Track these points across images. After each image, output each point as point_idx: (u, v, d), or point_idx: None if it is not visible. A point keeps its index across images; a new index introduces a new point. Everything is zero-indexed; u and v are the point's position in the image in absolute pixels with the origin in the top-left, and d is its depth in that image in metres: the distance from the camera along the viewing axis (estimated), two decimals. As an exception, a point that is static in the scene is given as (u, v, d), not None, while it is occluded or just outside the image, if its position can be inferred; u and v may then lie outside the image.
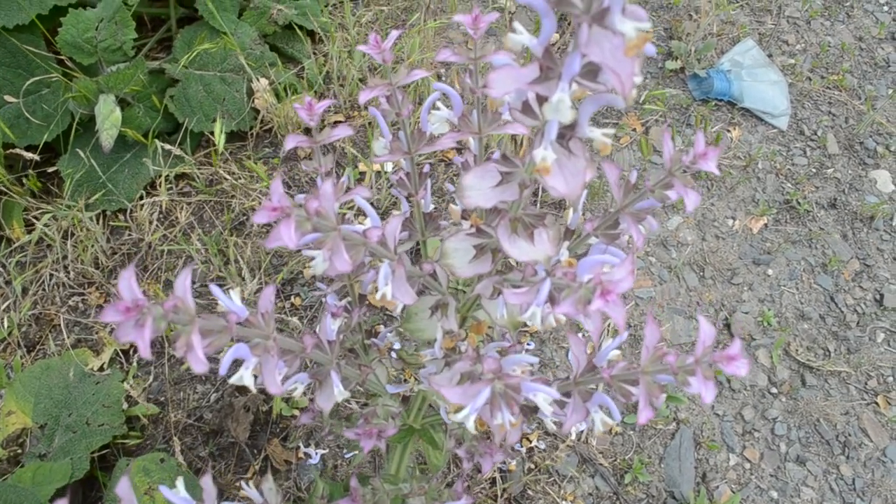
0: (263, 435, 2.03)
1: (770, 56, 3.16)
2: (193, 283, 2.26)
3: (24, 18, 2.18)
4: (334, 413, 1.33)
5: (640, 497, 2.08)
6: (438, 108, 0.99)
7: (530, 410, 0.94)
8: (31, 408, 1.87)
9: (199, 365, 0.66)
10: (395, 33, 0.89)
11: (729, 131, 2.92)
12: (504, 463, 2.04)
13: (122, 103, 2.27)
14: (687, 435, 2.18)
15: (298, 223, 0.67)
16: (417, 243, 1.08)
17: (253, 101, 2.48)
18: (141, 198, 2.36)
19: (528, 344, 2.17)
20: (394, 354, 1.28)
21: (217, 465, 1.98)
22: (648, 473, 2.10)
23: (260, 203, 2.37)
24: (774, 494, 2.13)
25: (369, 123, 2.62)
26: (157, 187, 2.37)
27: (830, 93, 3.08)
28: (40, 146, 2.23)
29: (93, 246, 2.24)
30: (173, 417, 2.04)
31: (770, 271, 2.56)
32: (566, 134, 0.70)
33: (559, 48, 2.87)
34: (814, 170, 2.85)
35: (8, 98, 2.19)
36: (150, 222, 2.34)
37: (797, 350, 2.38)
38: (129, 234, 2.33)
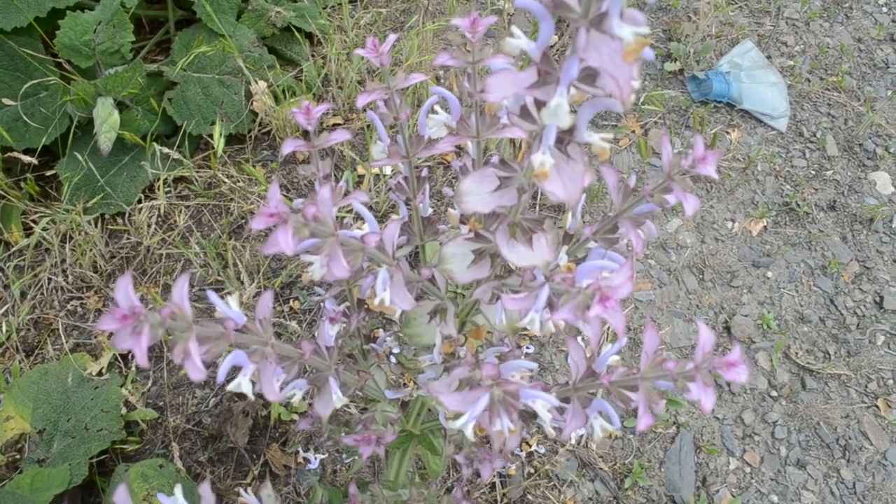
0: (262, 440, 2.03)
1: (769, 57, 3.16)
2: (192, 286, 2.26)
3: (22, 21, 2.17)
4: (333, 418, 1.32)
5: (641, 501, 2.07)
6: (437, 112, 0.98)
7: (529, 416, 0.94)
8: (29, 413, 1.86)
9: (196, 372, 0.66)
10: (392, 37, 0.89)
11: (728, 133, 2.92)
12: (503, 468, 2.03)
13: (121, 106, 2.27)
14: (687, 439, 2.17)
15: (296, 229, 0.67)
16: (416, 247, 1.07)
17: (251, 104, 2.47)
18: (139, 201, 2.36)
19: (527, 347, 2.17)
20: (393, 359, 1.27)
21: (216, 471, 1.97)
22: (648, 478, 2.09)
23: (258, 207, 2.36)
24: (775, 498, 2.13)
25: (368, 126, 2.62)
26: (156, 191, 2.36)
27: (829, 94, 3.08)
28: (38, 149, 2.22)
29: (91, 250, 2.24)
30: (172, 422, 2.03)
31: (770, 274, 2.56)
32: (564, 138, 0.69)
33: (558, 50, 2.87)
34: (813, 172, 2.85)
35: (6, 101, 2.19)
36: (149, 226, 2.33)
37: (797, 353, 2.38)
38: (128, 238, 2.32)
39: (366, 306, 1.15)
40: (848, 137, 2.95)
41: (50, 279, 2.22)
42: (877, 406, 2.31)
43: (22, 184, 2.29)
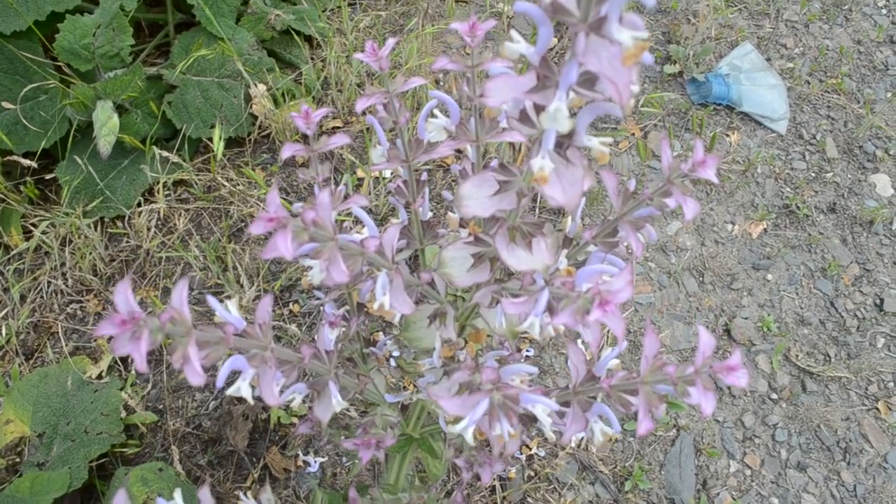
0: (262, 443, 2.03)
1: (768, 60, 3.16)
2: (191, 289, 2.26)
3: (22, 24, 2.17)
4: (333, 422, 1.32)
5: (641, 504, 2.07)
6: (436, 116, 0.98)
7: (529, 420, 0.94)
8: (29, 416, 1.86)
9: (195, 377, 0.65)
10: (391, 41, 0.89)
11: (727, 135, 2.92)
12: (504, 471, 2.03)
13: (120, 109, 2.27)
14: (687, 442, 2.17)
15: (295, 233, 0.67)
16: (416, 251, 1.07)
17: (251, 107, 2.47)
18: (139, 204, 2.36)
19: (527, 350, 2.17)
20: (392, 362, 1.27)
21: (216, 474, 1.97)
22: (649, 480, 2.09)
23: (258, 210, 2.36)
24: (776, 501, 2.12)
25: (367, 129, 2.62)
26: (155, 194, 2.36)
27: (829, 96, 3.08)
28: (38, 153, 2.22)
29: (91, 253, 2.24)
30: (172, 425, 2.03)
31: (770, 276, 2.56)
32: (564, 143, 0.69)
33: (557, 52, 2.87)
34: (813, 174, 2.85)
35: (5, 105, 2.19)
36: (148, 229, 2.33)
37: (797, 355, 2.37)
38: (127, 241, 2.32)
39: (365, 310, 1.15)
40: (848, 140, 2.95)
41: (49, 282, 2.22)
42: (877, 409, 2.31)
43: (21, 187, 2.29)
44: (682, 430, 2.20)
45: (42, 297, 2.21)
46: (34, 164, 2.19)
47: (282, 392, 0.91)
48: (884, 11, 3.44)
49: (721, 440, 2.20)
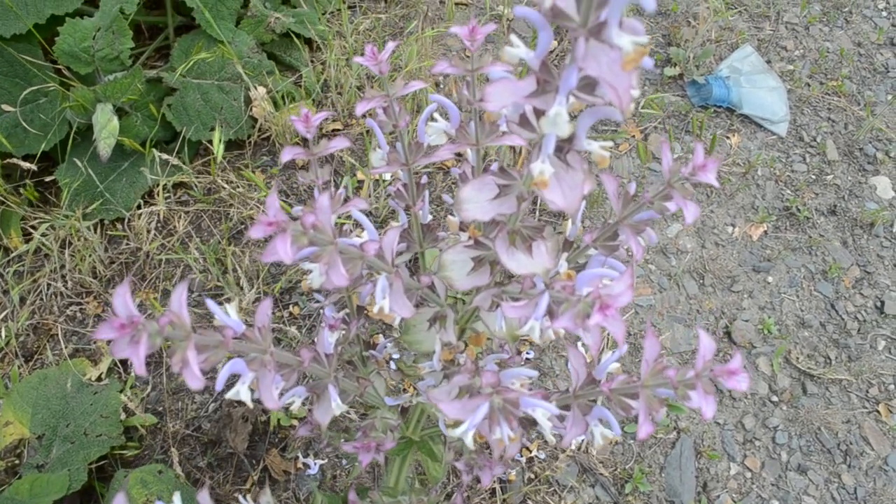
0: (262, 445, 2.03)
1: (769, 62, 3.16)
2: (191, 292, 2.26)
3: (22, 28, 2.17)
4: (333, 424, 1.32)
5: (641, 506, 2.07)
6: (436, 120, 0.98)
7: (529, 423, 0.93)
8: (28, 418, 1.86)
9: (194, 381, 0.65)
10: (391, 45, 0.89)
11: (728, 138, 2.92)
12: (504, 473, 2.03)
13: (120, 112, 2.27)
14: (687, 444, 2.17)
15: (294, 237, 0.67)
16: (416, 254, 1.07)
17: (251, 110, 2.47)
18: (139, 207, 2.36)
19: (527, 353, 2.17)
20: (392, 365, 1.27)
21: (215, 476, 1.97)
22: (649, 483, 2.09)
23: (258, 212, 2.36)
24: None
25: (367, 132, 2.61)
26: (155, 196, 2.36)
27: (829, 99, 3.08)
28: (38, 155, 2.22)
29: (90, 255, 2.24)
30: (171, 428, 2.03)
31: (770, 279, 2.55)
32: (564, 147, 0.69)
33: (557, 55, 2.87)
34: (813, 176, 2.85)
35: (5, 107, 2.19)
36: (148, 231, 2.33)
37: (798, 358, 2.37)
38: (127, 244, 2.32)
39: (365, 313, 1.15)
40: (848, 142, 2.95)
41: (49, 285, 2.22)
42: (878, 411, 2.30)
43: (21, 190, 2.29)
44: (683, 433, 2.19)
45: (42, 299, 2.21)
46: (34, 167, 2.19)
47: (281, 395, 0.91)
48: (884, 14, 3.44)
49: (721, 442, 2.20)
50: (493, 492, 2.02)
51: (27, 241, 2.25)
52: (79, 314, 2.21)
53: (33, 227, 2.27)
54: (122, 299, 0.63)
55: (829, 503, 2.13)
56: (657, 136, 2.86)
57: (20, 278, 2.22)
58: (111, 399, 1.91)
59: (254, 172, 2.50)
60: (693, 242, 2.60)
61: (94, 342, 2.15)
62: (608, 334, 2.13)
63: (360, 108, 0.88)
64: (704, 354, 0.74)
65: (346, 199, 0.92)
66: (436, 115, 0.99)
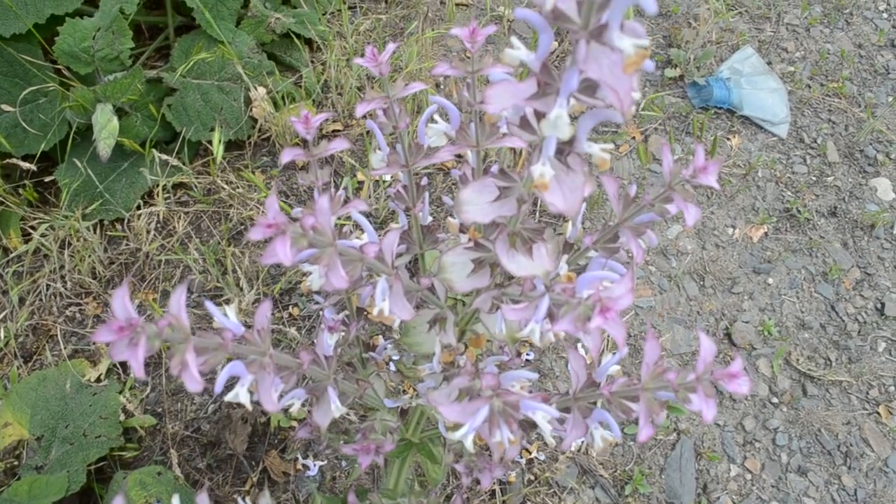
0: (261, 446, 2.02)
1: (769, 64, 3.16)
2: (190, 292, 2.25)
3: (21, 27, 2.17)
4: (332, 426, 1.31)
5: (641, 508, 2.07)
6: (436, 121, 0.98)
7: (529, 426, 0.93)
8: (27, 419, 1.86)
9: (193, 384, 0.65)
10: (391, 46, 0.88)
11: (728, 139, 2.92)
12: (503, 475, 2.03)
13: (120, 112, 2.27)
14: (688, 445, 2.17)
15: (294, 239, 0.66)
16: (416, 256, 1.07)
17: (251, 110, 2.47)
18: (138, 207, 2.35)
19: (527, 354, 2.17)
20: (392, 367, 1.27)
21: (214, 478, 1.96)
22: (649, 485, 2.08)
23: (258, 213, 2.36)
24: (776, 505, 2.12)
25: (367, 132, 2.61)
26: (155, 197, 2.36)
27: (830, 100, 3.08)
28: (37, 155, 2.22)
29: (90, 256, 2.23)
30: (171, 429, 2.03)
31: (770, 280, 2.55)
32: (564, 149, 0.69)
33: (557, 56, 2.86)
34: (814, 178, 2.84)
35: (5, 107, 2.19)
36: (148, 232, 2.33)
37: (798, 359, 2.37)
38: (127, 244, 2.32)
39: (365, 314, 1.15)
40: (849, 143, 2.95)
41: (49, 285, 2.22)
42: (878, 413, 2.30)
43: (21, 190, 2.29)
44: (683, 434, 2.19)
45: (41, 299, 2.21)
46: (33, 167, 2.19)
47: (281, 397, 0.91)
48: (885, 15, 3.44)
49: (722, 444, 2.20)
50: (492, 493, 2.01)
51: (26, 242, 2.24)
52: (78, 315, 2.20)
53: (33, 228, 2.27)
54: (121, 301, 0.62)
55: (830, 505, 2.13)
56: (658, 137, 2.86)
57: (19, 279, 2.22)
58: (110, 400, 1.90)
59: (254, 173, 2.49)
60: (693, 244, 2.60)
61: (94, 343, 2.14)
62: (608, 336, 2.12)
63: (360, 110, 0.88)
64: (705, 357, 0.74)
65: (346, 201, 0.91)
66: (436, 117, 0.98)
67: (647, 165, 2.76)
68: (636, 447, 2.15)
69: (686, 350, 2.35)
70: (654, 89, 3.03)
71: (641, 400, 0.77)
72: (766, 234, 2.67)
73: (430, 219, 1.09)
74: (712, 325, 2.43)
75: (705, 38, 3.14)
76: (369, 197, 2.48)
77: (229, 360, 0.76)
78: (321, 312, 1.16)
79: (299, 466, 1.99)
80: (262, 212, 2.39)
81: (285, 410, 2.04)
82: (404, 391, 2.00)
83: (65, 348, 2.13)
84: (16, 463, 1.82)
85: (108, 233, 2.33)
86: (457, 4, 3.13)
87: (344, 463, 2.01)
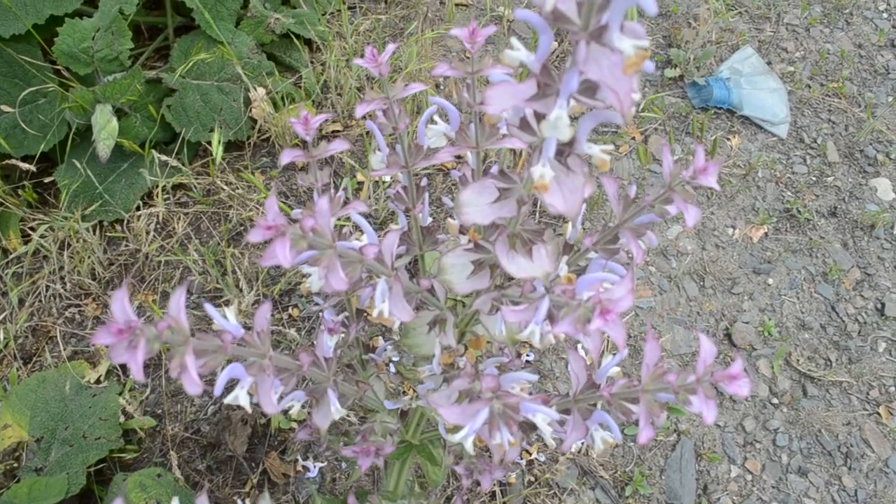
0: (261, 448, 2.02)
1: (769, 63, 3.16)
2: (190, 293, 2.25)
3: (21, 28, 2.17)
4: (332, 428, 1.31)
5: (641, 509, 2.06)
6: (436, 122, 0.98)
7: (529, 427, 0.93)
8: (27, 421, 1.85)
9: (193, 386, 0.65)
10: (391, 47, 0.88)
11: (728, 139, 2.91)
12: (503, 476, 2.02)
13: (119, 113, 2.26)
14: (688, 446, 2.17)
15: (294, 241, 0.66)
16: (415, 257, 1.07)
17: (250, 111, 2.47)
18: (138, 208, 2.35)
19: (527, 355, 2.16)
20: (392, 367, 1.27)
21: (214, 479, 1.96)
22: (649, 486, 2.08)
23: (257, 214, 2.36)
24: (776, 506, 2.12)
25: (367, 133, 2.61)
26: (154, 198, 2.36)
27: (830, 100, 3.08)
28: (37, 156, 2.22)
29: (89, 257, 2.23)
30: (170, 430, 2.02)
31: (770, 280, 2.55)
32: (564, 150, 0.69)
33: (558, 55, 2.86)
34: (814, 178, 2.84)
35: (4, 108, 2.18)
36: (147, 233, 2.33)
37: (798, 360, 2.37)
38: (126, 245, 2.32)
39: (365, 315, 1.15)
40: (849, 143, 2.95)
41: (48, 286, 2.22)
42: (878, 413, 2.30)
43: (20, 191, 2.29)
44: (683, 435, 2.19)
45: (40, 300, 2.20)
46: (33, 168, 2.18)
47: (280, 399, 0.90)
48: (885, 15, 3.44)
49: (722, 445, 2.20)
50: (492, 495, 2.01)
51: (26, 243, 2.24)
52: (77, 316, 2.20)
53: (32, 229, 2.27)
54: (121, 304, 0.62)
55: (830, 506, 2.13)
56: (657, 137, 2.86)
57: (19, 280, 2.22)
58: (110, 402, 1.90)
59: (253, 174, 2.49)
60: (693, 244, 2.60)
61: (93, 344, 2.14)
62: (608, 338, 2.12)
63: (359, 111, 0.88)
64: (705, 359, 0.74)
65: (346, 202, 0.91)
66: (436, 118, 0.98)
67: (646, 165, 2.76)
68: (636, 448, 2.15)
69: (686, 351, 2.35)
70: (654, 89, 3.03)
71: (642, 402, 0.77)
72: (766, 234, 2.67)
73: (429, 220, 1.09)
74: (712, 326, 2.42)
75: (705, 38, 3.14)
76: (369, 197, 2.48)
77: (229, 361, 0.76)
78: (321, 314, 1.15)
79: (299, 468, 1.98)
80: (262, 213, 2.39)
81: (285, 412, 2.04)
82: (404, 392, 2.00)
83: (64, 350, 2.13)
84: (15, 465, 1.82)
85: (108, 234, 2.33)
86: (456, 5, 3.12)
87: (344, 464, 2.00)
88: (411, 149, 0.95)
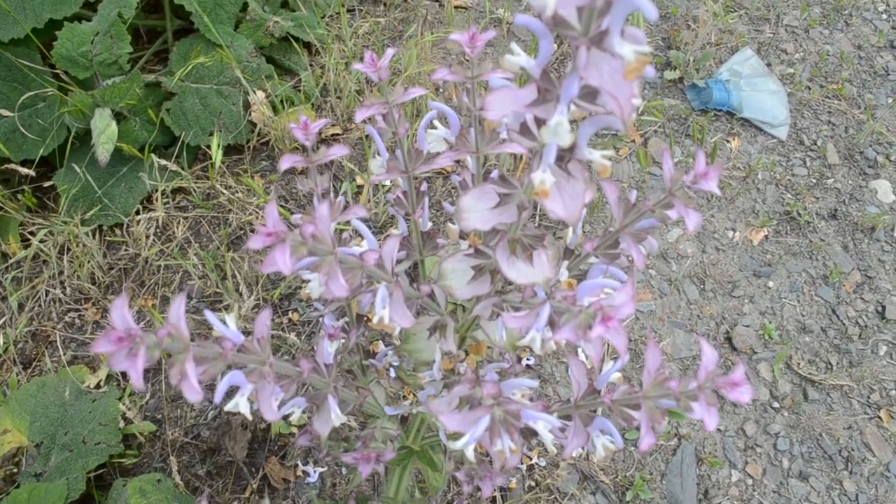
0: (261, 453, 2.02)
1: (769, 65, 3.16)
2: (190, 298, 2.25)
3: (20, 32, 2.17)
4: (333, 434, 1.31)
5: (642, 513, 2.06)
6: (435, 127, 0.97)
7: (530, 434, 0.93)
8: (27, 426, 1.85)
9: (193, 394, 0.64)
10: (390, 51, 0.88)
11: (728, 141, 2.91)
12: (504, 482, 2.02)
13: (118, 117, 2.26)
14: (688, 451, 2.16)
15: (294, 248, 0.66)
16: (415, 262, 1.06)
17: (249, 114, 2.47)
18: (137, 212, 2.35)
19: (527, 359, 2.16)
20: (392, 373, 1.26)
21: (214, 484, 1.96)
22: (650, 490, 2.08)
23: (257, 218, 2.36)
24: (778, 509, 2.11)
25: (366, 136, 2.61)
26: (154, 202, 2.35)
27: (830, 102, 3.08)
28: (36, 161, 2.21)
29: (89, 261, 2.23)
30: (170, 435, 2.02)
31: (771, 283, 2.55)
32: (565, 156, 0.68)
33: (557, 59, 2.86)
34: (814, 180, 2.84)
35: (3, 112, 2.18)
36: (147, 237, 2.32)
37: (799, 363, 2.36)
38: (126, 250, 2.31)
39: (365, 321, 1.14)
40: (849, 145, 2.94)
41: (48, 291, 2.21)
42: (879, 417, 2.29)
43: (19, 195, 2.29)
44: (684, 440, 2.19)
45: (40, 305, 2.20)
46: (32, 173, 2.18)
47: (280, 406, 0.90)
48: (884, 16, 3.44)
49: (723, 449, 2.19)
50: (493, 500, 2.01)
51: (25, 248, 2.24)
52: (77, 321, 2.20)
53: (31, 233, 2.26)
54: (120, 311, 0.62)
55: (832, 509, 2.12)
56: (657, 140, 2.86)
57: (18, 284, 2.22)
58: (110, 407, 1.90)
59: (252, 178, 2.49)
60: (693, 247, 2.60)
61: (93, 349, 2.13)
62: (609, 343, 2.12)
63: (359, 115, 0.88)
64: (707, 365, 0.73)
65: (346, 206, 0.91)
66: (435, 122, 0.98)
67: (646, 168, 2.75)
68: (637, 453, 2.14)
69: (687, 354, 2.34)
70: (654, 92, 3.03)
71: (643, 408, 0.77)
72: (766, 236, 2.66)
73: (429, 224, 1.08)
74: (713, 329, 2.42)
75: (704, 40, 3.14)
76: (368, 201, 2.47)
77: (229, 368, 0.75)
78: (321, 319, 1.15)
79: (299, 473, 1.98)
80: (262, 217, 2.39)
81: (285, 417, 2.03)
82: (405, 398, 1.99)
83: (64, 354, 2.12)
84: (15, 470, 1.81)
85: (107, 238, 2.33)
86: (455, 7, 3.12)
87: (344, 469, 2.00)
88: (411, 153, 0.95)
